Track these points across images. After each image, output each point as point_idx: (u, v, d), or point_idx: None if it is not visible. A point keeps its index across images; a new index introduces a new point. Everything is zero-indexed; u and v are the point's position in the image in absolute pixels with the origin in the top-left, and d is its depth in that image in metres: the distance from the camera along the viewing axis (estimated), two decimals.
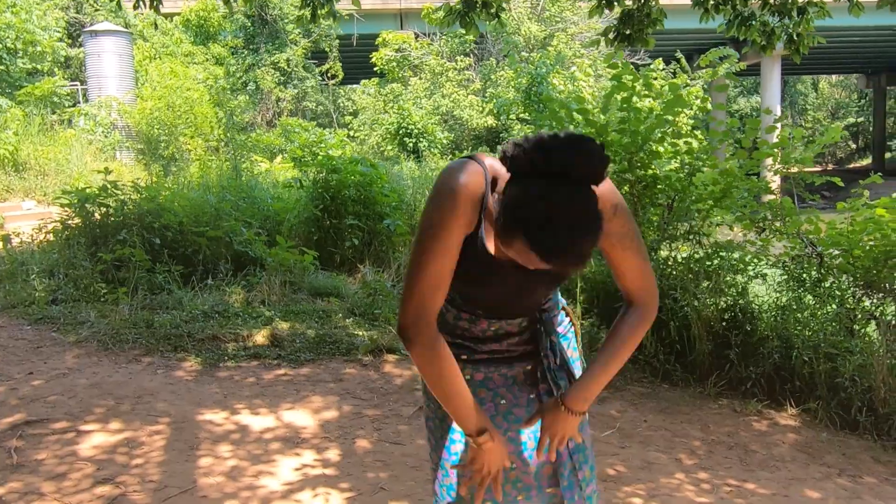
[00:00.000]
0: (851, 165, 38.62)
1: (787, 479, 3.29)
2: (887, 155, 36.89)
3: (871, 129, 37.94)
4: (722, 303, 4.79)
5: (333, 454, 3.38)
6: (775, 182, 6.21)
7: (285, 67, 21.09)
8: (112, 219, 6.61)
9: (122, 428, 3.56)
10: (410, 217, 7.94)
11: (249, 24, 21.00)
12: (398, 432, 3.66)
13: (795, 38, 5.16)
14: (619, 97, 5.33)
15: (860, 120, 41.59)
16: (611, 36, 5.16)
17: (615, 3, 5.04)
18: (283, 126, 17.04)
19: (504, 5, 5.32)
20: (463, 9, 5.07)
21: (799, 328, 4.39)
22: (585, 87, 13.71)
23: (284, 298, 6.10)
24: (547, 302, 1.66)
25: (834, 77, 42.78)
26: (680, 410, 4.04)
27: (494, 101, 17.53)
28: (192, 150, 11.32)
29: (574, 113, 6.10)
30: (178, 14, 20.10)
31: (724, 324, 4.56)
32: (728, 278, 5.01)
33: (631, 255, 1.54)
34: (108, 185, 6.72)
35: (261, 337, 5.11)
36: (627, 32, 5.04)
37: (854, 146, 41.81)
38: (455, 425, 1.61)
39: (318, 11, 5.16)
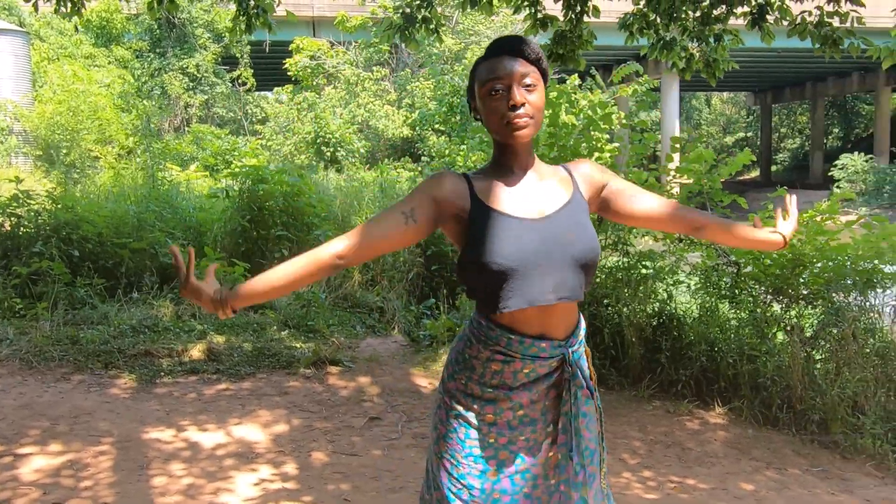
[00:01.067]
0: (741, 178, 41.11)
1: (723, 473, 3.54)
2: (773, 168, 39.51)
3: (758, 143, 40.55)
4: (650, 309, 5.07)
5: (291, 468, 3.37)
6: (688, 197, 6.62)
7: (195, 73, 20.49)
8: (24, 230, 6.27)
9: (63, 450, 3.41)
10: (340, 228, 7.91)
11: (156, 27, 20.28)
12: (352, 444, 3.68)
13: (712, 62, 5.54)
14: (546, 113, 5.55)
15: (748, 135, 44.40)
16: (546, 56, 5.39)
17: (549, 24, 5.25)
18: (195, 133, 16.54)
19: (443, 21, 5.44)
20: (403, 24, 5.15)
21: (721, 333, 4.70)
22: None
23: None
24: (576, 330, 1.63)
25: (725, 94, 45.50)
26: (618, 413, 4.25)
27: (417, 112, 17.66)
28: (103, 157, 10.81)
29: None
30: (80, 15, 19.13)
31: (653, 329, 4.82)
32: (653, 286, 5.30)
33: (645, 195, 1.73)
34: (20, 194, 6.37)
35: (196, 351, 4.99)
36: (560, 52, 5.26)
37: (755, 160, 44.53)
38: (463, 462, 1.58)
39: (254, 22, 5.11)
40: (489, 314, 1.56)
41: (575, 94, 7.48)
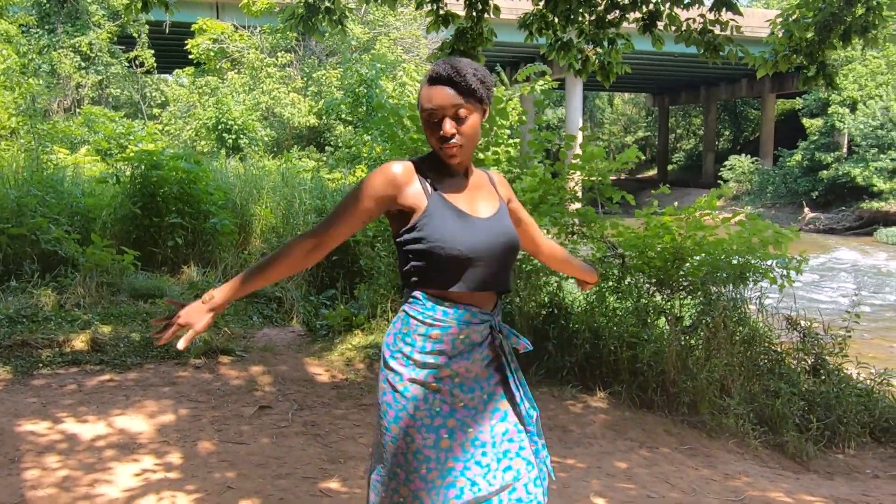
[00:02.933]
0: (640, 175, 42.89)
1: (599, 452, 3.74)
2: (669, 167, 41.41)
3: (656, 143, 42.40)
4: (540, 300, 5.26)
5: (175, 458, 3.32)
6: (579, 191, 6.91)
7: (87, 51, 19.45)
8: None
9: None
10: (239, 217, 7.76)
11: (44, 1, 19.10)
12: (240, 432, 3.66)
13: (606, 65, 5.78)
14: None
15: (648, 134, 46.34)
16: (446, 51, 5.46)
17: (450, 21, 5.33)
18: (86, 115, 15.72)
19: (347, 13, 5.41)
20: (306, 13, 5.10)
21: (604, 321, 4.94)
22: (413, 92, 14.07)
23: (103, 301, 5.75)
24: (496, 307, 1.80)
25: (627, 94, 47.28)
26: None
27: (323, 101, 17.43)
28: None
29: (405, 119, 6.36)
30: None
31: (542, 319, 5.01)
32: (543, 278, 5.50)
33: (531, 222, 2.05)
34: None
35: (79, 342, 4.81)
36: (461, 49, 5.35)
37: (643, 158, 46.47)
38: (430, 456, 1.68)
39: (151, 0, 4.94)
40: (429, 291, 1.72)
41: None
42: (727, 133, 42.46)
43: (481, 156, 6.10)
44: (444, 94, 1.68)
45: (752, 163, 30.06)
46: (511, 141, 7.54)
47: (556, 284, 5.42)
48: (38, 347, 4.70)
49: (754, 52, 6.22)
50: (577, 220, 5.97)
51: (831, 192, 26.24)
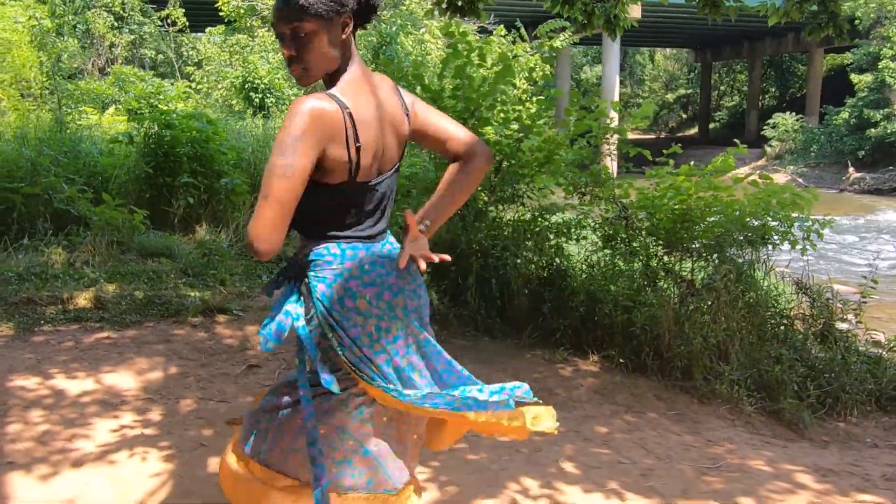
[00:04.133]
0: (681, 134, 41.82)
1: (582, 417, 3.70)
2: (711, 125, 40.26)
3: (698, 100, 41.18)
4: (542, 262, 5.19)
5: (155, 415, 3.38)
6: (609, 151, 6.73)
7: (120, 11, 19.58)
8: None
9: None
10: (251, 176, 7.79)
11: None
12: (224, 391, 3.71)
13: (612, 19, 5.57)
14: (453, 64, 5.51)
15: (689, 92, 44.98)
16: (443, 6, 5.31)
17: None
18: (117, 75, 15.87)
19: None
20: None
21: (603, 283, 4.85)
22: (434, 49, 13.85)
23: (111, 259, 5.86)
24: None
25: (668, 50, 45.87)
26: (496, 360, 4.37)
27: None
28: (7, 98, 10.30)
29: (410, 78, 6.25)
30: None
31: (539, 280, 4.94)
32: (552, 240, 5.40)
33: (441, 118, 1.85)
34: None
35: (83, 299, 4.91)
36: (459, 4, 5.20)
37: (684, 116, 45.24)
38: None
39: None
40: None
41: (487, 45, 7.38)
42: (772, 90, 41.00)
43: (487, 114, 5.96)
44: (278, 18, 1.61)
45: (797, 120, 29.01)
46: (534, 99, 7.36)
47: (556, 246, 5.33)
48: (43, 304, 4.82)
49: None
50: (589, 181, 5.83)
51: (878, 151, 25.22)
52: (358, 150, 1.63)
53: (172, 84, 16.65)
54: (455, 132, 1.86)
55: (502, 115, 6.09)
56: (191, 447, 3.06)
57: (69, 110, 10.01)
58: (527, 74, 7.74)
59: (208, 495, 2.66)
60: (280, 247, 1.57)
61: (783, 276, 5.87)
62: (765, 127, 29.93)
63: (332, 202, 1.69)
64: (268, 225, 1.53)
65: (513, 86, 6.55)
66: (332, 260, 1.70)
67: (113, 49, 19.68)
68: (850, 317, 5.13)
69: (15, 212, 6.07)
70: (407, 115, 1.80)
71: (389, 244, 1.82)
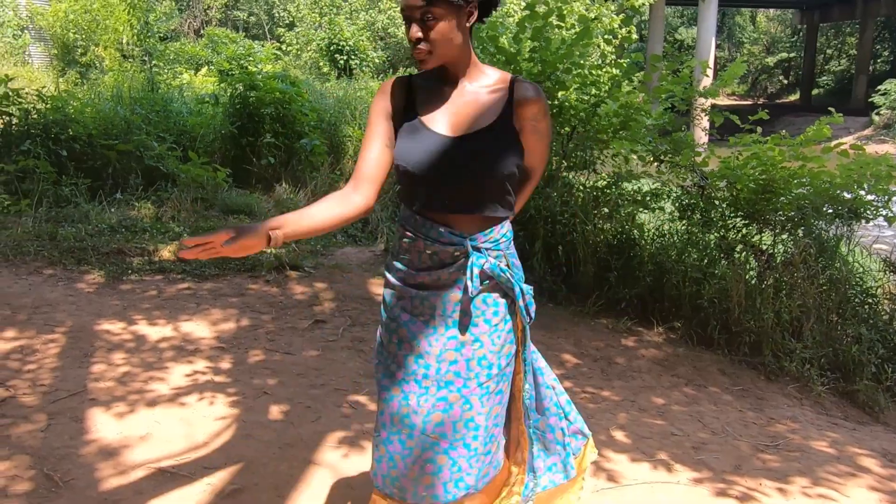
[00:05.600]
0: (782, 100, 39.65)
1: (640, 387, 3.66)
2: (814, 91, 37.96)
3: (801, 65, 38.82)
4: (612, 230, 5.10)
5: (225, 363, 3.57)
6: (696, 117, 6.47)
7: None
8: (15, 128, 6.44)
9: (16, 336, 3.65)
10: (330, 137, 7.96)
11: None
12: (290, 343, 3.87)
13: None
14: (531, 26, 5.42)
15: (792, 55, 42.47)
16: None
17: None
18: (210, 36, 16.40)
19: None
20: None
21: (674, 254, 4.73)
22: (517, 10, 13.59)
23: (195, 215, 6.15)
24: (489, 232, 1.74)
25: (772, 11, 43.31)
26: (559, 327, 4.37)
27: None
28: (106, 58, 10.85)
29: (502, 38, 6.18)
30: None
31: (608, 248, 4.87)
32: (627, 208, 5.28)
33: (539, 138, 1.80)
34: (11, 93, 6.51)
35: (167, 252, 5.19)
36: None
37: (785, 81, 42.82)
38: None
39: None
40: (405, 204, 1.77)
41: (567, 4, 7.14)
42: (885, 54, 38.14)
43: (564, 78, 5.85)
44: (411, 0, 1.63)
45: None
46: (617, 61, 7.15)
47: (630, 214, 5.23)
48: (131, 255, 5.13)
49: None
50: (668, 147, 5.66)
51: None
52: None
53: (262, 45, 17.09)
54: (537, 168, 1.89)
55: (579, 78, 5.97)
56: (255, 395, 3.23)
57: (161, 71, 10.45)
58: (609, 37, 7.49)
59: (267, 440, 2.81)
60: None
61: (878, 253, 5.56)
62: (874, 94, 27.97)
63: None
64: None
65: (592, 48, 6.38)
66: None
67: (208, 11, 20.33)
68: None
69: (110, 167, 6.43)
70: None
71: None
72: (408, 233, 1.74)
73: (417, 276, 1.74)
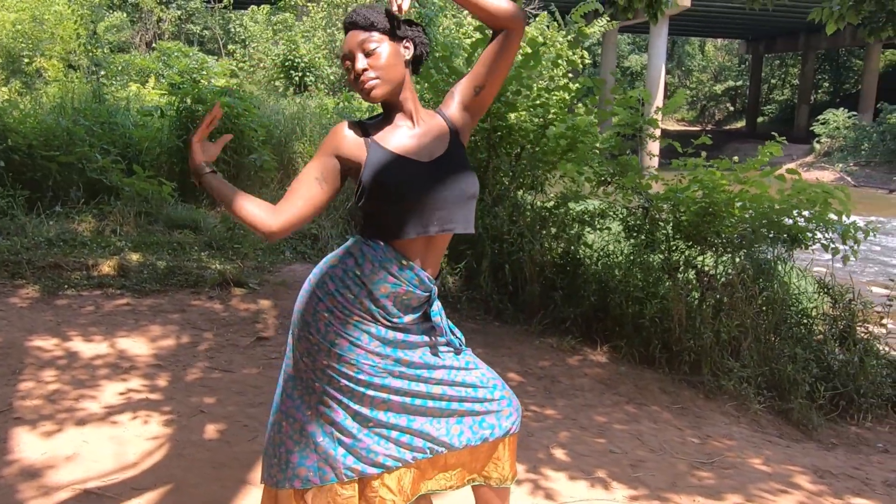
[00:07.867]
0: (728, 127, 40.89)
1: (581, 405, 3.69)
2: (759, 119, 39.25)
3: (747, 93, 40.14)
4: (557, 249, 5.16)
5: (162, 381, 3.48)
6: (642, 142, 6.61)
7: None
8: None
9: None
10: (280, 154, 7.89)
11: None
12: (231, 361, 3.80)
13: (654, 3, 5.47)
14: (482, 49, 5.48)
15: (738, 84, 43.89)
16: None
17: None
18: (161, 49, 16.16)
19: None
20: None
21: (617, 274, 4.80)
22: (472, 30, 13.75)
23: (139, 229, 6.01)
24: (439, 274, 1.82)
25: (719, 41, 44.76)
26: (503, 345, 4.38)
27: None
28: (49, 69, 10.58)
29: (439, 62, 6.23)
30: None
31: (553, 268, 4.92)
32: (574, 228, 5.34)
33: (465, 80, 1.83)
34: None
35: (107, 267, 5.05)
36: None
37: (732, 108, 44.19)
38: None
39: None
40: (386, 240, 1.72)
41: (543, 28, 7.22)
42: (825, 85, 39.75)
43: (512, 100, 5.92)
44: (351, 36, 1.73)
45: (849, 117, 28.09)
46: (567, 85, 7.25)
47: (576, 234, 5.29)
48: (69, 270, 4.97)
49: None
50: (612, 170, 5.76)
51: None
52: None
53: (217, 60, 16.91)
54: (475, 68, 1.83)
55: (526, 100, 6.05)
56: (190, 413, 3.15)
57: (108, 83, 10.24)
58: (560, 62, 7.60)
59: (200, 459, 2.74)
60: None
61: (815, 275, 5.73)
62: (815, 123, 29.07)
63: None
64: None
65: (540, 72, 6.48)
66: None
67: (160, 24, 20.04)
68: (874, 319, 5.00)
69: (50, 179, 6.25)
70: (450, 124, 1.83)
71: None
72: (390, 277, 1.70)
73: (393, 317, 1.73)
